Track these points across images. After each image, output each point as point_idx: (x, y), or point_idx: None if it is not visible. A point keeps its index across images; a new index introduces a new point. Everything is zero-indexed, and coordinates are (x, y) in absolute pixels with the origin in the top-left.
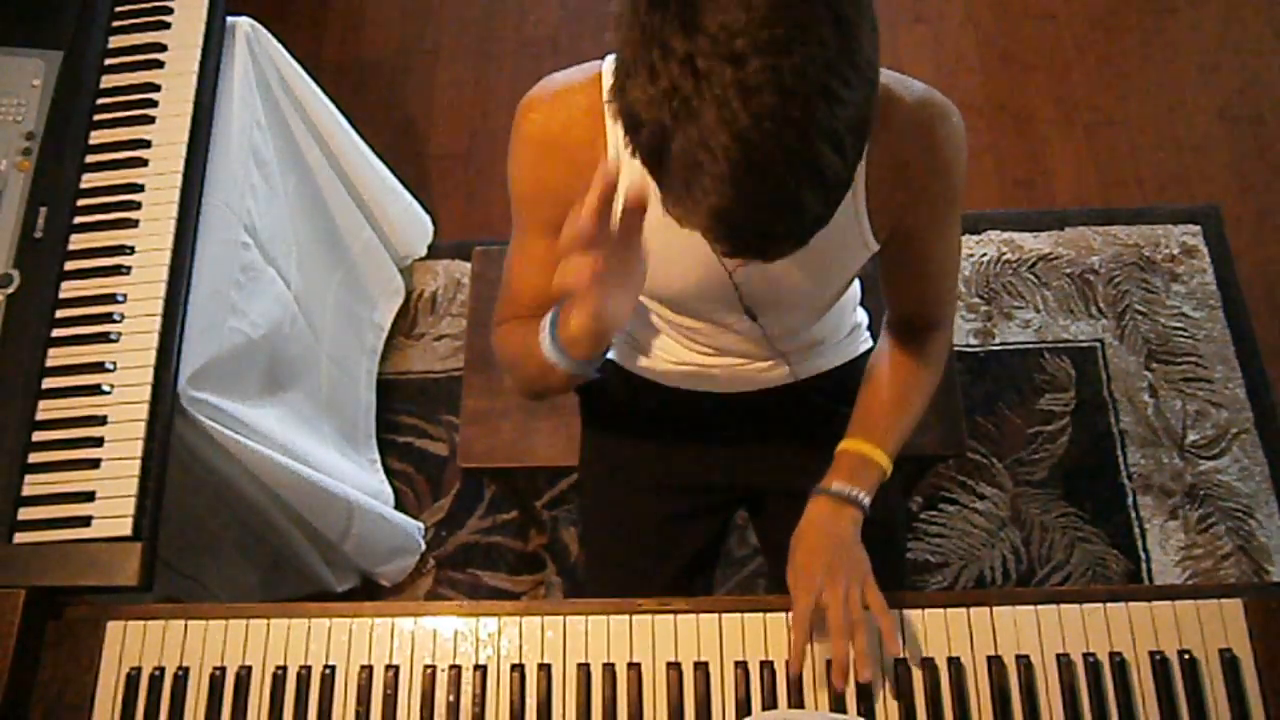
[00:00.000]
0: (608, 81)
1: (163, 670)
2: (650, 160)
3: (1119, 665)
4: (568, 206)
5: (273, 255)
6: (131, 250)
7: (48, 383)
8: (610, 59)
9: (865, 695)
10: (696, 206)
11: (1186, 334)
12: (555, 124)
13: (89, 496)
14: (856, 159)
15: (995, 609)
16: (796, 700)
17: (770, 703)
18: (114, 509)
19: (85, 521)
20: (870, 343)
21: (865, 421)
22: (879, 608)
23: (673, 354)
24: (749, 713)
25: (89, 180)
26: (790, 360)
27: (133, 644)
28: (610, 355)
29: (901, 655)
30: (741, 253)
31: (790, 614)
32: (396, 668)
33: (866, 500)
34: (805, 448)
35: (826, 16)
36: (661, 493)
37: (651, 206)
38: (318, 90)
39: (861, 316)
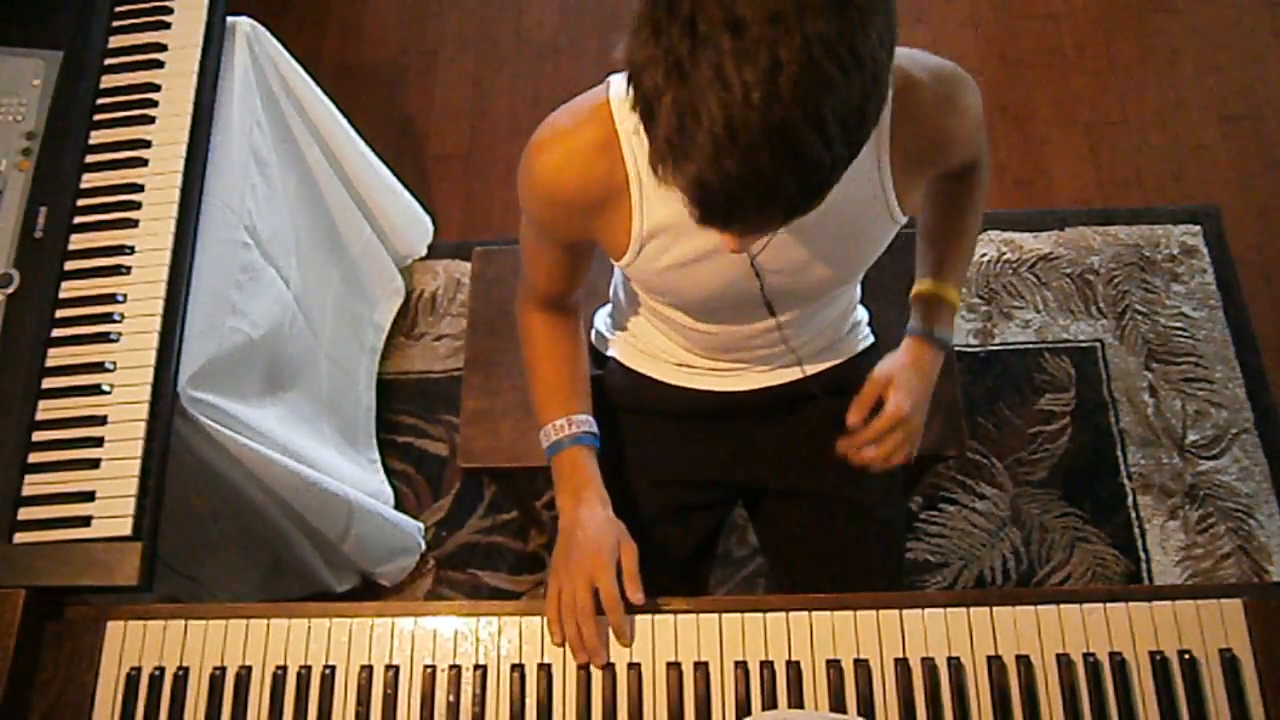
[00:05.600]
0: (616, 105)
1: (163, 670)
2: (644, 116)
3: (1119, 665)
4: (585, 233)
5: (273, 255)
6: (131, 250)
7: (48, 383)
8: (613, 79)
9: (865, 695)
10: (678, 169)
11: (1186, 334)
12: (572, 169)
13: (89, 496)
14: (846, 152)
15: (995, 609)
16: (796, 700)
17: (770, 703)
18: (114, 509)
19: (85, 521)
20: (871, 338)
21: (929, 263)
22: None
23: (677, 357)
24: (749, 713)
25: (89, 180)
26: (798, 358)
27: (133, 644)
28: (612, 353)
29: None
30: (708, 220)
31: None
32: (396, 668)
33: (949, 336)
34: (805, 445)
35: (835, 1)
36: (661, 489)
37: (671, 219)
38: (318, 90)
39: (862, 314)
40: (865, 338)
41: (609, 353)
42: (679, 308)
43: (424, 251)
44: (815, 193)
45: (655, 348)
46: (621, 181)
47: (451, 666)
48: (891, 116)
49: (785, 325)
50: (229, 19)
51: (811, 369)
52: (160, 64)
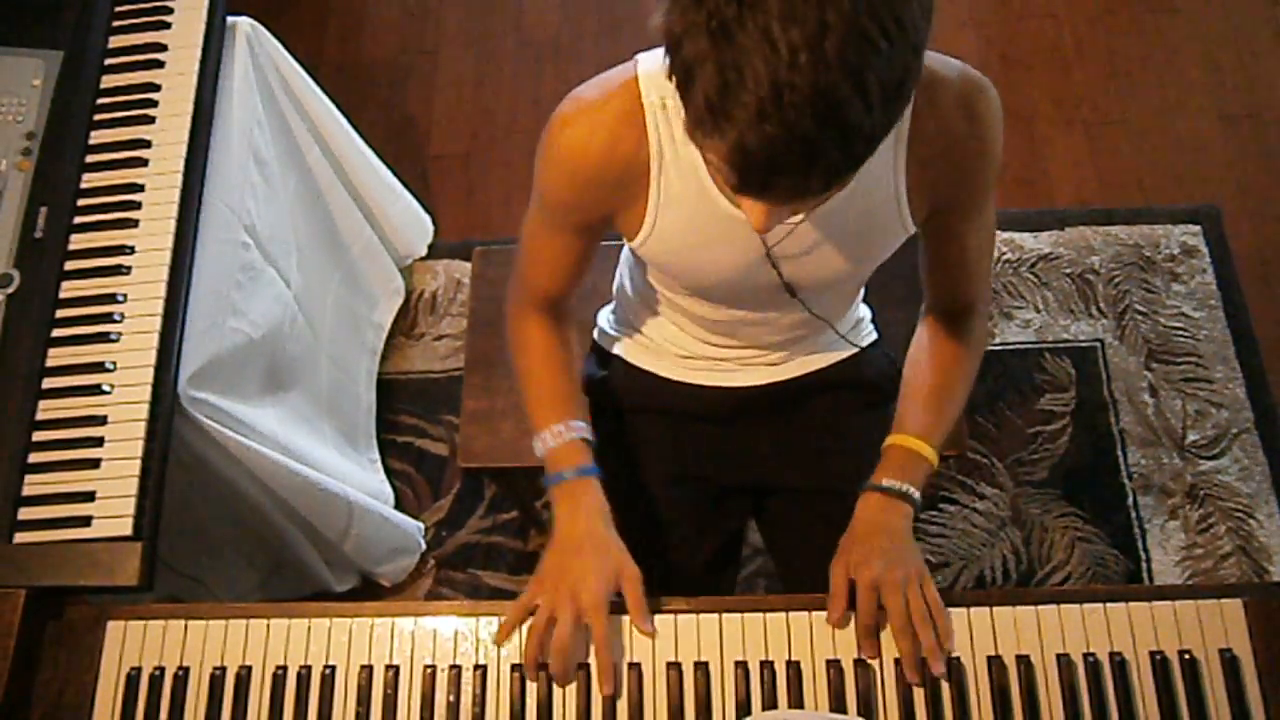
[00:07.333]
0: (644, 80)
1: (163, 670)
2: (682, 84)
3: (1119, 665)
4: (604, 211)
5: (273, 255)
6: (131, 250)
7: (48, 383)
8: (641, 56)
9: (865, 695)
10: (719, 134)
11: (1186, 334)
12: (596, 143)
13: (89, 496)
14: (885, 122)
15: (995, 609)
16: (796, 700)
17: (770, 703)
18: (114, 509)
19: (85, 521)
20: (874, 335)
21: (910, 415)
22: (936, 605)
23: (685, 348)
24: (749, 713)
25: (89, 180)
26: (801, 351)
27: (133, 644)
28: (617, 351)
29: (954, 653)
30: (746, 187)
31: (825, 611)
32: (396, 668)
33: (917, 494)
34: (809, 443)
35: None
36: (674, 487)
37: (686, 198)
38: (318, 90)
39: (865, 311)
40: (868, 334)
41: (614, 351)
42: (692, 291)
43: (424, 251)
44: (855, 160)
45: (663, 339)
46: (644, 158)
47: (451, 666)
48: (913, 112)
49: (810, 305)
50: (229, 19)
51: (816, 364)
52: (160, 64)
